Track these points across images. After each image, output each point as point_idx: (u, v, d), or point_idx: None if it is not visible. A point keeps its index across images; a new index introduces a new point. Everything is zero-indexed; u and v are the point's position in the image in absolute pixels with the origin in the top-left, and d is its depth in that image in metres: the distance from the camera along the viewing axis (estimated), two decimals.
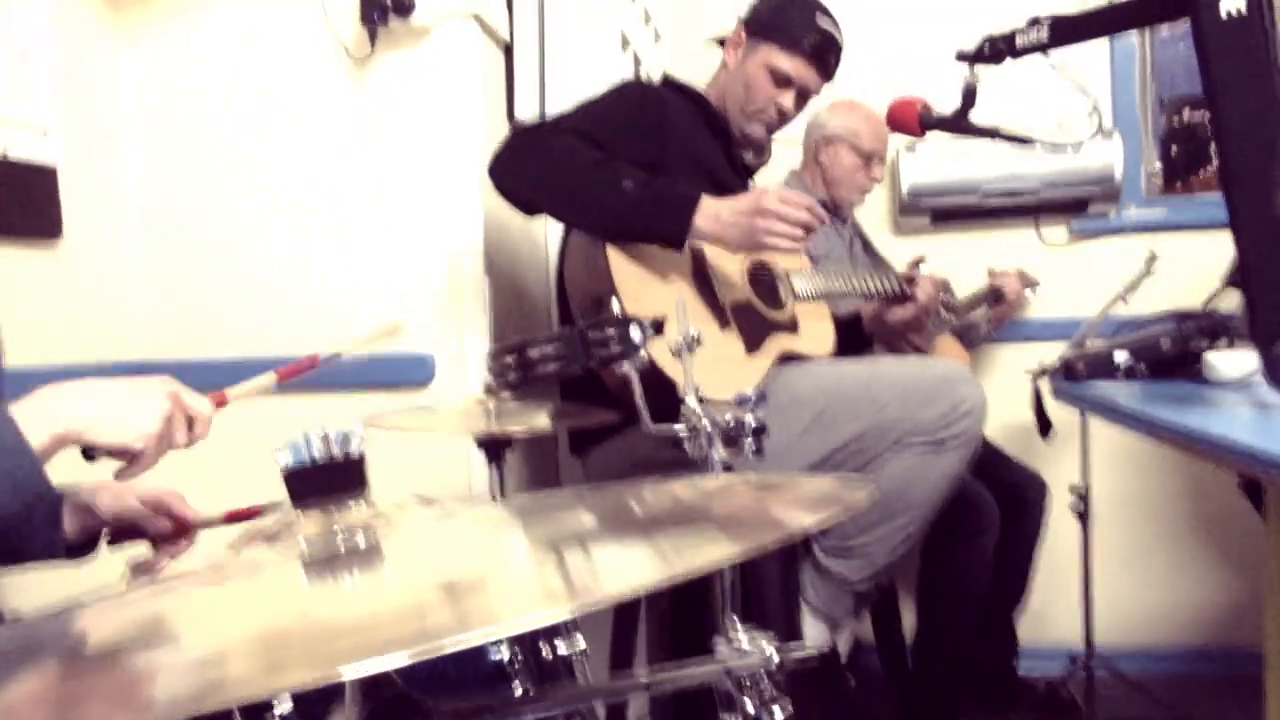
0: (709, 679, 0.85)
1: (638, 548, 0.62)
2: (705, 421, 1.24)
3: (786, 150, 2.51)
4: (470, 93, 2.05)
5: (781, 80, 2.04)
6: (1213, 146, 2.75)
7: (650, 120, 1.92)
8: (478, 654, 1.05)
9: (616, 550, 0.63)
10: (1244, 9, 1.20)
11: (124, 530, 1.29)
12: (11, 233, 1.79)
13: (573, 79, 2.24)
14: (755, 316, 1.88)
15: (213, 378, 2.09)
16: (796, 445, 1.83)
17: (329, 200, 2.08)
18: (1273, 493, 1.14)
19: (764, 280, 2.01)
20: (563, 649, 1.13)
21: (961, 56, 1.60)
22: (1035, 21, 1.49)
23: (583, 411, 1.75)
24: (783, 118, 2.09)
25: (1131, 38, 3.01)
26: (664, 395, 1.38)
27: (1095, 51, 2.94)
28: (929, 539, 2.01)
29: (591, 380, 1.74)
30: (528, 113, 2.21)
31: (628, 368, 1.33)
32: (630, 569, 0.59)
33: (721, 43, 2.14)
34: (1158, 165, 3.06)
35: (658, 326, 1.35)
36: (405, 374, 2.06)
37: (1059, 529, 2.66)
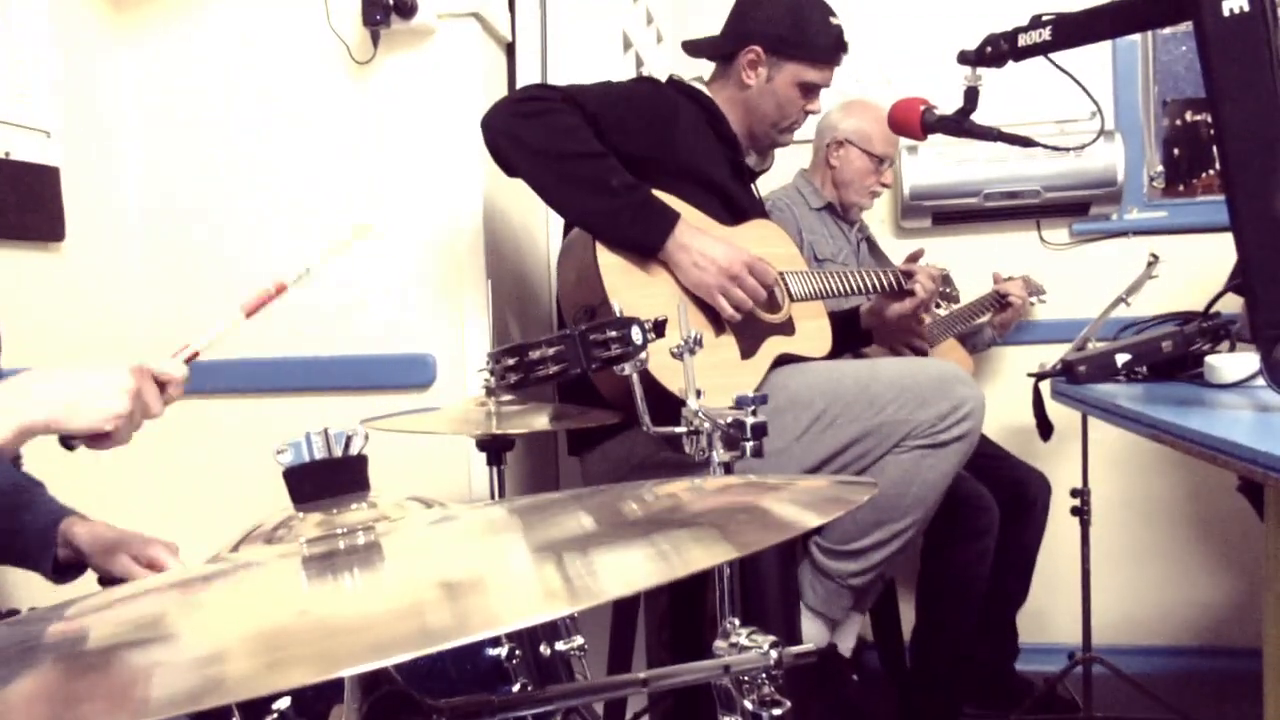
0: (708, 677, 0.85)
1: (637, 548, 0.62)
2: (705, 422, 1.24)
3: (793, 150, 2.51)
4: (472, 93, 2.05)
5: (812, 91, 2.07)
6: (1215, 148, 2.75)
7: (661, 119, 1.92)
8: (477, 652, 1.05)
9: (615, 550, 0.63)
10: (1246, 7, 1.20)
11: (109, 579, 1.30)
12: (16, 235, 1.79)
13: (575, 79, 2.24)
14: (750, 320, 1.88)
15: (214, 378, 2.10)
16: (796, 447, 1.83)
17: (330, 201, 2.09)
18: (1273, 494, 1.14)
19: None
20: (561, 647, 1.13)
21: (963, 58, 1.60)
22: (1037, 22, 1.49)
23: (582, 413, 1.75)
24: (807, 117, 2.13)
25: (1134, 39, 3.01)
26: (658, 404, 1.37)
27: (1097, 53, 2.94)
28: (929, 538, 2.01)
29: (591, 382, 1.74)
30: None
31: (629, 369, 1.33)
32: (629, 569, 0.59)
33: (702, 53, 2.13)
34: (1160, 167, 3.06)
35: (658, 328, 1.35)
36: (406, 375, 2.06)
37: (1059, 529, 2.66)
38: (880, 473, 1.81)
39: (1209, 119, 2.27)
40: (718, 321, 1.85)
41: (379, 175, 2.07)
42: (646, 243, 1.78)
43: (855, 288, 2.13)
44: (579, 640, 1.17)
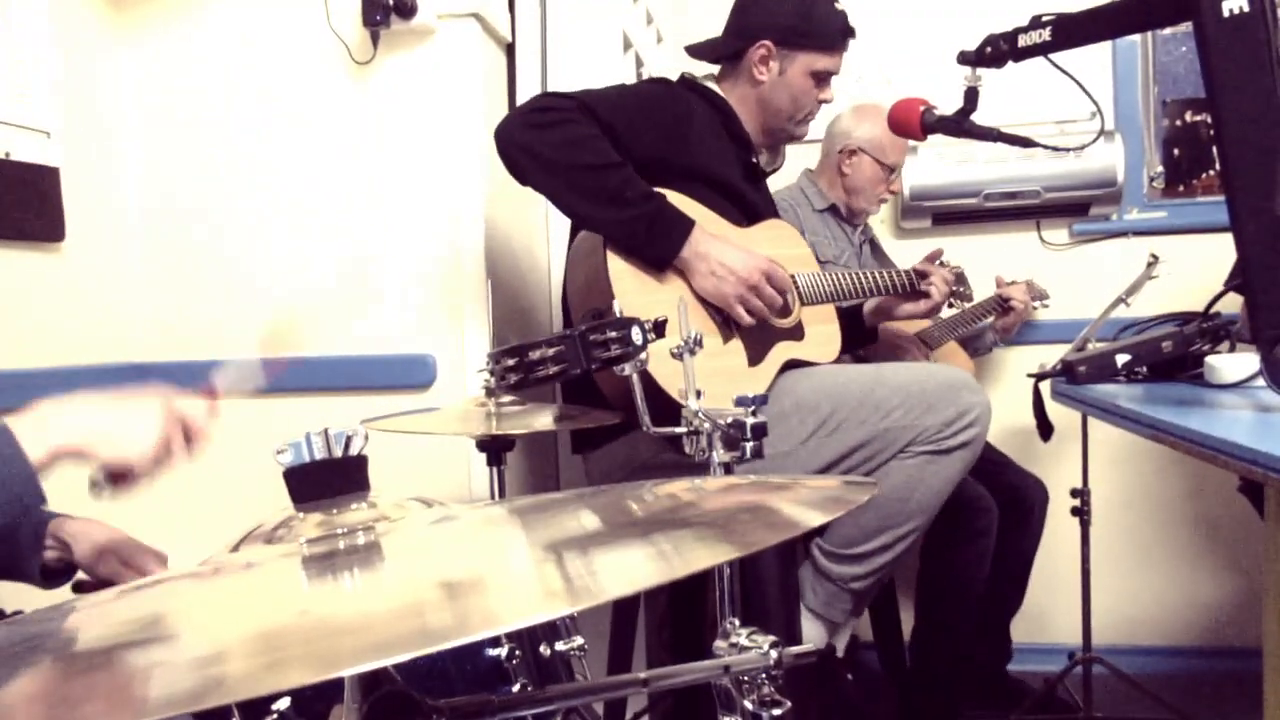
0: (708, 677, 0.85)
1: (637, 548, 0.62)
2: (705, 423, 1.24)
3: (800, 149, 2.50)
4: (472, 94, 2.05)
5: (824, 79, 2.06)
6: (1215, 148, 2.75)
7: (675, 121, 1.92)
8: (477, 652, 1.05)
9: (616, 550, 0.63)
10: (1246, 7, 1.20)
11: (95, 583, 1.29)
12: (16, 235, 1.79)
13: (575, 80, 2.24)
14: (760, 326, 1.88)
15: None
16: (801, 451, 1.82)
17: (330, 201, 2.09)
18: (1273, 494, 1.14)
19: None
20: (561, 647, 1.13)
21: (963, 58, 1.60)
22: (1037, 22, 1.49)
23: (583, 413, 1.75)
24: (821, 106, 2.13)
25: (1134, 39, 3.01)
26: (659, 407, 1.37)
27: (1097, 53, 2.94)
28: (928, 539, 2.01)
29: (594, 382, 1.74)
30: None
31: (629, 369, 1.33)
32: (629, 569, 0.59)
33: (706, 56, 2.12)
34: (1160, 167, 3.06)
35: (659, 328, 1.35)
36: (406, 376, 2.06)
37: (1059, 529, 2.66)
38: (885, 478, 1.81)
39: (1209, 119, 2.27)
40: (726, 328, 1.85)
41: (379, 175, 2.07)
42: (660, 254, 1.78)
43: (868, 289, 2.13)
44: (579, 640, 1.17)
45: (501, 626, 0.55)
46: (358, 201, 2.08)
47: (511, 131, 1.75)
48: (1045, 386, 1.96)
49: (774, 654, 0.84)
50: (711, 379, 1.36)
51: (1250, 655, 1.29)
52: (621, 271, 1.75)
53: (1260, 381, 1.29)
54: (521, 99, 2.24)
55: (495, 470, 1.69)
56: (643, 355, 1.32)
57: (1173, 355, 1.70)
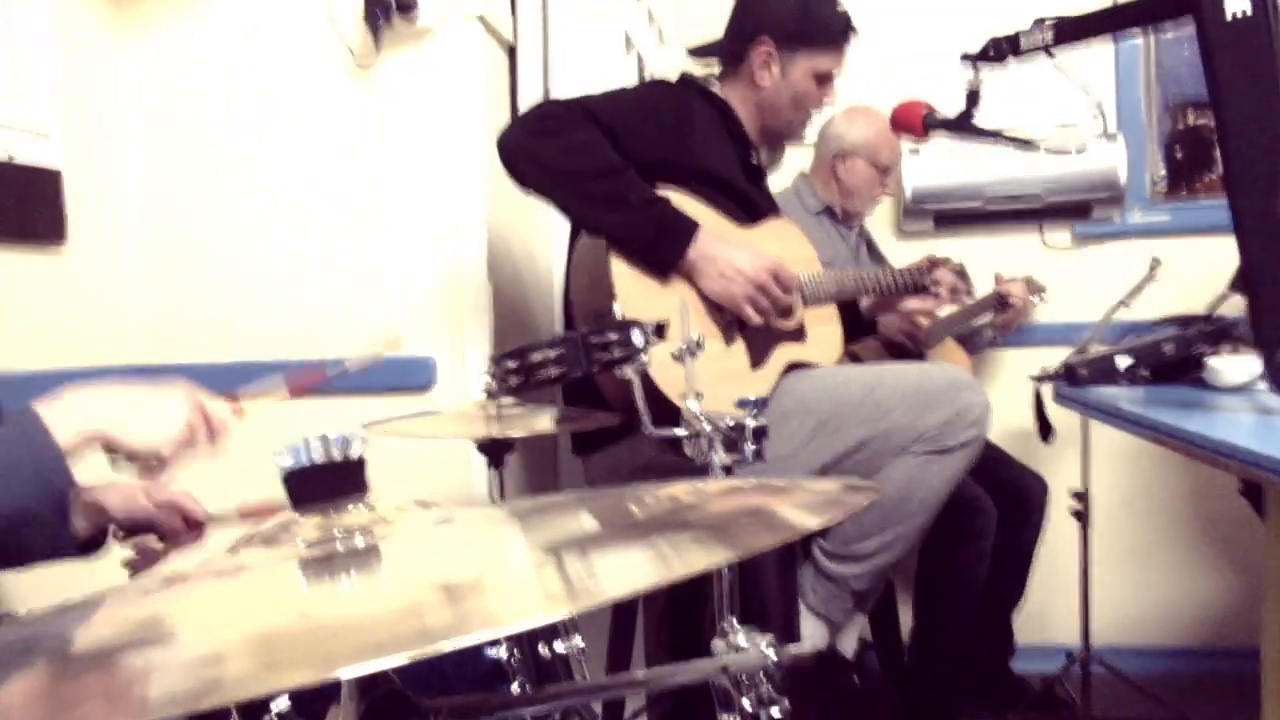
0: (706, 677, 0.85)
1: (637, 549, 0.62)
2: (705, 425, 1.24)
3: (794, 151, 2.50)
4: (474, 94, 2.05)
5: (826, 79, 2.06)
6: (1217, 150, 2.75)
7: (676, 122, 1.92)
8: (476, 653, 1.05)
9: (615, 551, 0.63)
10: (1249, 10, 1.20)
11: (136, 528, 1.29)
12: (17, 236, 1.79)
13: (577, 80, 2.24)
14: (762, 328, 1.88)
15: (215, 380, 2.10)
16: (802, 452, 1.82)
17: (331, 202, 2.09)
18: (1273, 496, 1.14)
19: None
20: (560, 647, 1.13)
21: (965, 58, 1.60)
22: (1040, 23, 1.49)
23: (585, 415, 1.75)
24: (824, 105, 2.12)
25: (1136, 40, 3.01)
26: (660, 411, 1.37)
27: (1099, 54, 2.94)
28: (927, 539, 2.01)
29: (594, 384, 1.74)
30: None
31: (630, 371, 1.33)
32: (629, 570, 0.59)
33: (703, 53, 2.12)
34: (1162, 169, 3.06)
35: (659, 330, 1.35)
36: (407, 378, 2.06)
37: (1059, 530, 2.66)
38: (886, 477, 1.81)
39: (1211, 121, 2.27)
40: (728, 331, 1.85)
41: (379, 175, 2.07)
42: (666, 259, 1.78)
43: (871, 288, 2.12)
44: (578, 641, 1.17)
45: (501, 629, 0.55)
46: (358, 202, 2.08)
47: (514, 140, 1.75)
48: (1046, 389, 1.96)
49: (772, 654, 0.84)
50: (714, 382, 1.36)
51: (1250, 655, 1.29)
52: (625, 274, 1.75)
53: (1261, 384, 1.29)
54: (523, 99, 2.24)
55: (496, 472, 1.69)
56: (644, 357, 1.32)
57: (1174, 358, 1.70)
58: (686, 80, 2.09)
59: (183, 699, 0.43)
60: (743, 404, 1.22)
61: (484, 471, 1.71)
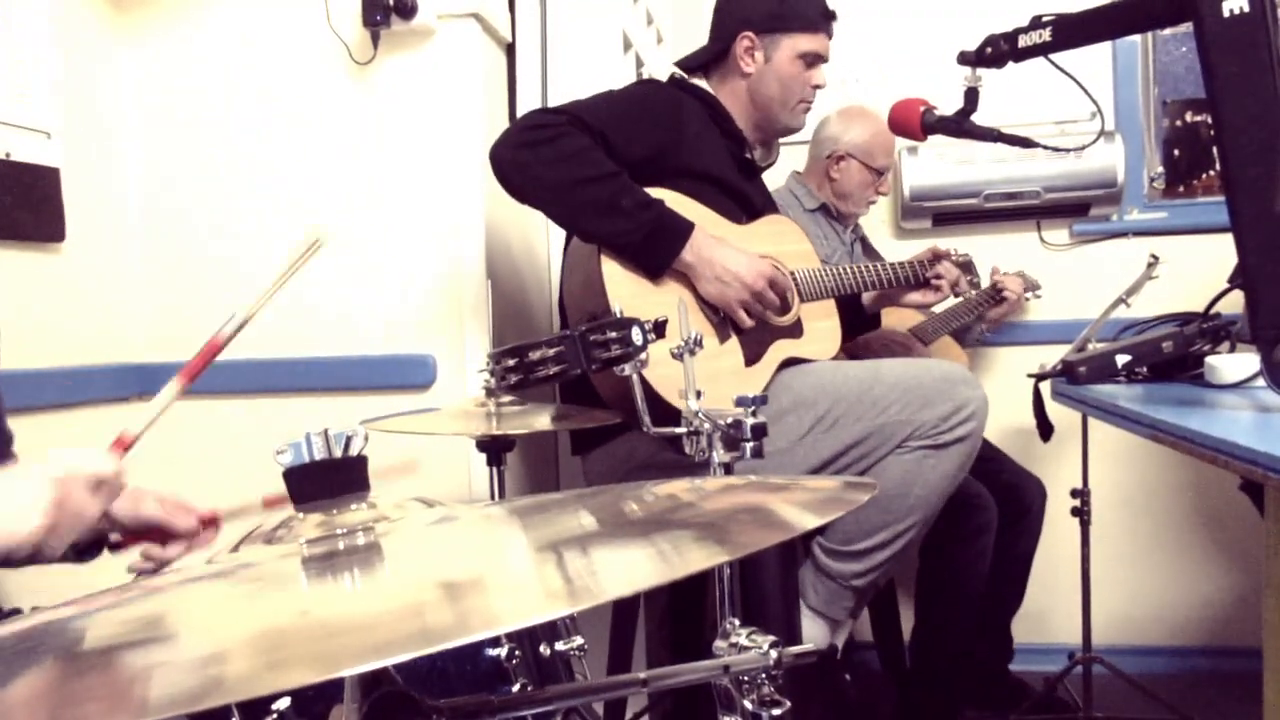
0: (708, 677, 0.85)
1: (637, 548, 0.62)
2: (704, 423, 1.24)
3: (788, 150, 2.51)
4: (472, 94, 2.05)
5: (812, 61, 2.07)
6: (1215, 149, 2.75)
7: (666, 119, 1.92)
8: (477, 651, 1.05)
9: (616, 550, 0.63)
10: (1246, 8, 1.20)
11: (141, 533, 1.27)
12: (17, 236, 1.79)
13: (575, 80, 2.24)
14: (758, 325, 1.88)
15: (215, 379, 2.10)
16: (799, 448, 1.83)
17: (330, 202, 2.09)
18: (1273, 495, 1.14)
19: None
20: (561, 647, 1.13)
21: (963, 58, 1.60)
22: (1037, 23, 1.49)
23: (583, 413, 1.75)
24: (816, 93, 2.12)
25: (1134, 39, 3.01)
26: (655, 413, 1.37)
27: (1097, 53, 2.94)
28: (928, 537, 2.01)
29: (591, 383, 1.74)
30: None
31: (629, 370, 1.33)
32: (629, 569, 0.59)
33: (696, 70, 2.12)
34: (1160, 168, 3.06)
35: (659, 328, 1.35)
36: (406, 376, 2.06)
37: (1059, 529, 2.66)
38: (883, 473, 1.81)
39: (1209, 120, 2.27)
40: (723, 329, 1.85)
41: (379, 175, 2.07)
42: (659, 262, 1.78)
43: (869, 283, 2.12)
44: (579, 640, 1.17)
45: (501, 627, 0.55)
46: (358, 201, 2.08)
47: (505, 152, 1.76)
48: (1045, 387, 1.96)
49: (774, 654, 0.85)
50: (709, 379, 1.37)
51: (1250, 655, 1.29)
52: (616, 276, 1.75)
53: (1260, 382, 1.29)
54: (522, 99, 2.24)
55: (495, 470, 1.69)
56: (642, 355, 1.32)
57: (1173, 355, 1.70)
58: (677, 80, 2.10)
59: (184, 698, 0.43)
60: (742, 402, 1.22)
61: (484, 469, 1.71)
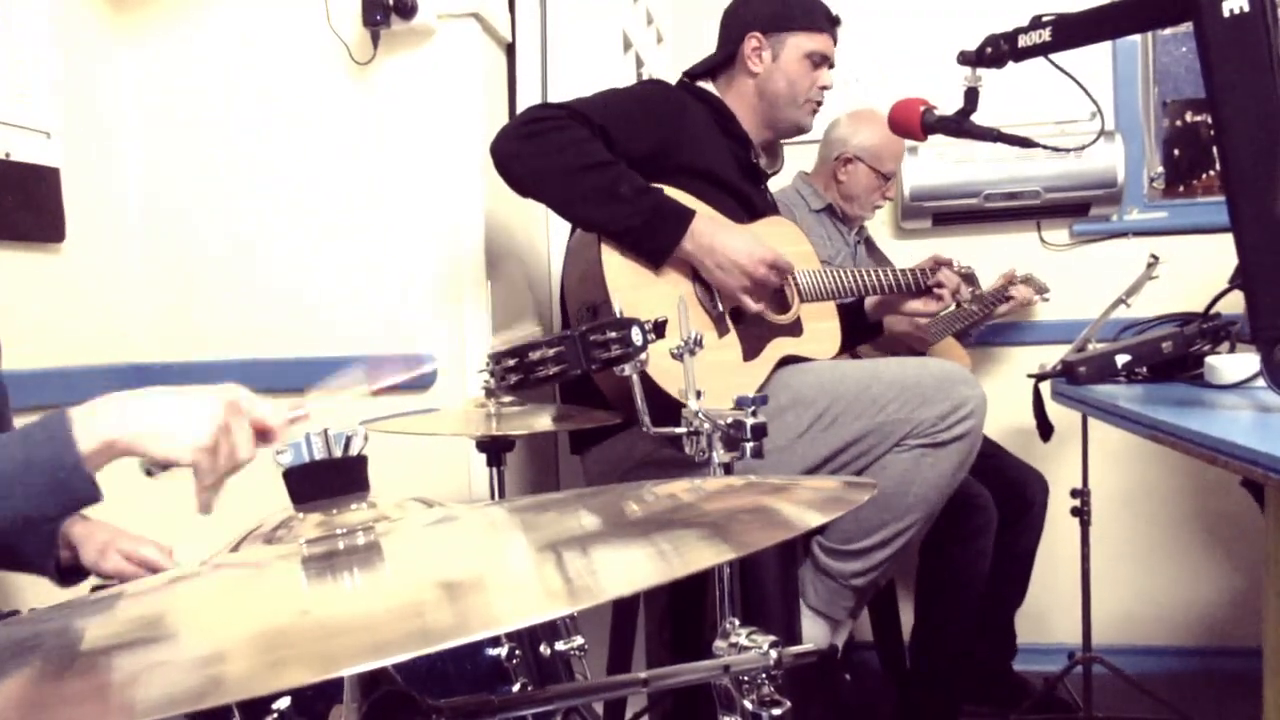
0: (708, 677, 0.85)
1: (637, 547, 0.62)
2: (705, 423, 1.24)
3: (795, 151, 2.51)
4: (472, 93, 2.05)
5: (818, 61, 2.08)
6: (1215, 149, 2.75)
7: (669, 118, 1.92)
8: (477, 651, 1.05)
9: (616, 549, 0.63)
10: (1246, 8, 1.20)
11: (107, 577, 1.29)
12: (16, 235, 1.79)
13: (575, 80, 2.24)
14: (756, 321, 1.88)
15: (215, 378, 2.09)
16: (798, 446, 1.83)
17: (330, 201, 2.09)
18: (1273, 495, 1.14)
19: None
20: (561, 647, 1.13)
21: (963, 58, 1.60)
22: (1037, 23, 1.49)
23: (583, 413, 1.75)
24: (824, 93, 2.13)
25: (1134, 39, 3.01)
26: (657, 405, 1.37)
27: (1097, 53, 2.94)
28: (927, 537, 2.01)
29: (591, 382, 1.74)
30: None
31: (629, 370, 1.33)
32: (629, 568, 0.59)
33: (704, 75, 2.13)
34: (1160, 168, 3.06)
35: (659, 328, 1.35)
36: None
37: (1059, 529, 2.66)
38: (881, 472, 1.81)
39: (1209, 120, 2.27)
40: (721, 322, 1.85)
41: (379, 175, 2.07)
42: (660, 247, 1.78)
43: (870, 287, 2.13)
44: (579, 640, 1.17)
45: (501, 626, 0.55)
46: (358, 201, 2.08)
47: (505, 145, 1.77)
48: (1045, 387, 1.96)
49: (774, 654, 0.84)
50: (706, 373, 1.36)
51: (1250, 655, 1.29)
52: (616, 266, 1.75)
53: (1260, 382, 1.29)
54: (522, 99, 2.24)
55: (495, 471, 1.69)
56: (642, 356, 1.32)
57: (1173, 356, 1.70)
58: (683, 83, 2.11)
59: (185, 698, 0.43)
60: (741, 402, 1.22)
61: (484, 470, 1.71)
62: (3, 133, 1.75)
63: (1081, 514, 2.46)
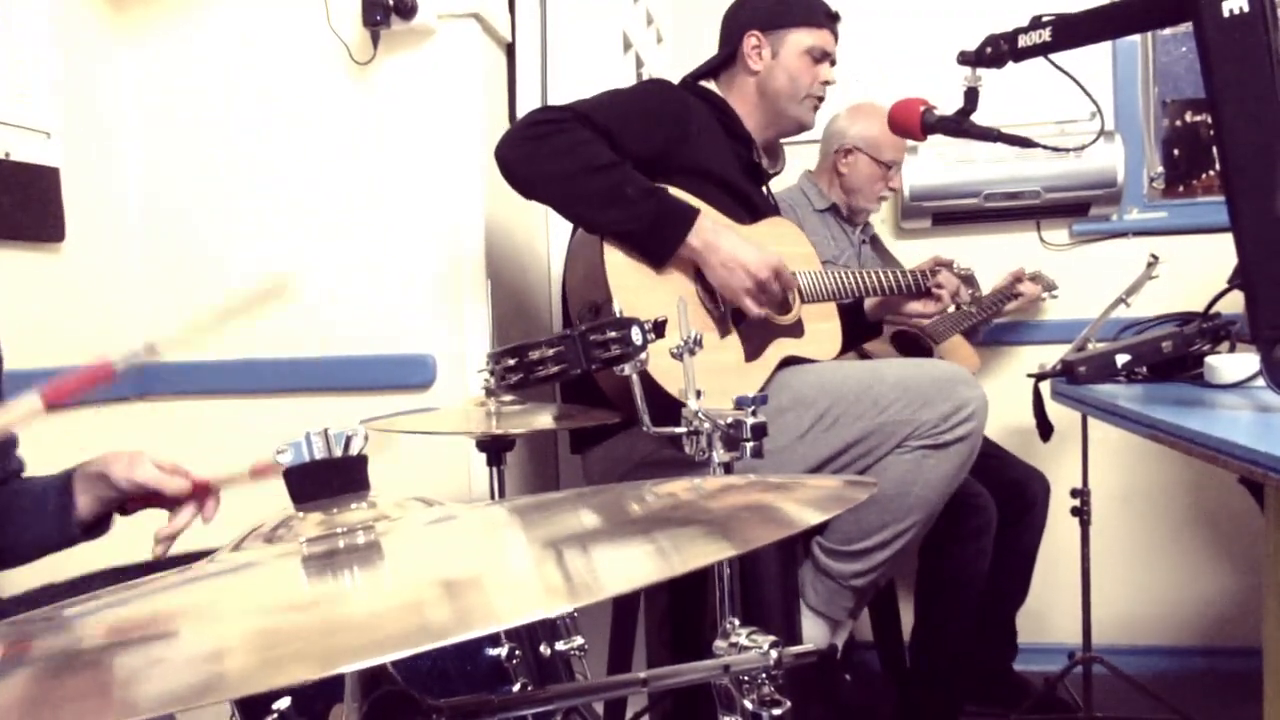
0: (708, 677, 0.85)
1: (637, 545, 0.62)
2: (705, 423, 1.24)
3: (797, 151, 2.51)
4: (472, 94, 2.05)
5: (819, 56, 2.09)
6: (1215, 149, 2.76)
7: (672, 118, 1.93)
8: (477, 651, 1.05)
9: (616, 548, 0.63)
10: (1246, 8, 1.20)
11: (141, 498, 1.28)
12: (16, 235, 1.79)
13: (575, 80, 2.24)
14: (758, 322, 1.88)
15: (215, 379, 2.11)
16: (799, 446, 1.83)
17: (330, 202, 2.09)
18: (1273, 494, 1.14)
19: None
20: (561, 647, 1.13)
21: (963, 58, 1.60)
22: (1037, 23, 1.49)
23: (584, 412, 1.75)
24: (825, 89, 2.14)
25: (1134, 39, 3.01)
26: (657, 404, 1.37)
27: (1097, 53, 2.94)
28: (927, 537, 2.01)
29: (592, 381, 1.74)
30: None
31: (629, 369, 1.33)
32: (629, 566, 0.59)
33: (705, 76, 2.13)
34: (1160, 168, 3.06)
35: (658, 328, 1.35)
36: (406, 375, 2.06)
37: (1059, 529, 2.66)
38: (882, 473, 1.81)
39: (1209, 120, 2.27)
40: (723, 323, 1.85)
41: (379, 175, 2.07)
42: (664, 248, 1.78)
43: (870, 288, 2.13)
44: (579, 640, 1.17)
45: (501, 623, 0.55)
46: (358, 201, 2.08)
47: (509, 150, 1.77)
48: (1045, 386, 1.96)
49: (774, 654, 0.85)
50: (707, 374, 1.37)
51: (1250, 655, 1.29)
52: (619, 266, 1.75)
53: (1260, 381, 1.29)
54: (522, 99, 2.24)
55: (495, 470, 1.69)
56: (642, 355, 1.32)
57: (1173, 355, 1.70)
58: (684, 81, 2.11)
59: (185, 695, 0.43)
60: (741, 402, 1.22)
61: (484, 469, 1.71)
62: (3, 133, 1.75)
63: (1081, 514, 2.46)
